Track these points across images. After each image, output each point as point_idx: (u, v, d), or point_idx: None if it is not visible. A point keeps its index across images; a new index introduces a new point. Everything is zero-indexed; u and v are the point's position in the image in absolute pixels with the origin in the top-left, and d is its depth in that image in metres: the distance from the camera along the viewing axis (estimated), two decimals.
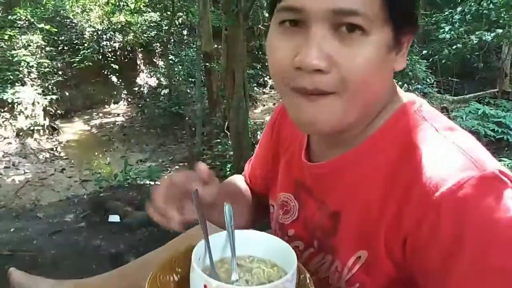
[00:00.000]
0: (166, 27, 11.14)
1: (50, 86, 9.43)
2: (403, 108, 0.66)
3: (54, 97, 9.26)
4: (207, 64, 8.28)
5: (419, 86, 7.87)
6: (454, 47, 8.20)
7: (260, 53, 12.50)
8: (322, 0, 0.54)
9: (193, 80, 10.76)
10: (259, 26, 11.76)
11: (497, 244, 0.51)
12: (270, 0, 0.63)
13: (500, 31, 7.56)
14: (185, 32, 12.35)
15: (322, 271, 0.71)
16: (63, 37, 10.42)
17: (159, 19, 11.45)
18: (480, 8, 7.75)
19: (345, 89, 0.58)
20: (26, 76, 9.02)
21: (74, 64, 9.95)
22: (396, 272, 0.61)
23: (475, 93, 8.95)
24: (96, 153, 8.81)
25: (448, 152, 0.58)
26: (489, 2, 7.49)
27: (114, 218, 3.64)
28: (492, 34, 7.54)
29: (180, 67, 11.15)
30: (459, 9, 8.44)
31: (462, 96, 8.86)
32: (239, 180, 1.01)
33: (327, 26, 0.55)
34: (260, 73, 11.76)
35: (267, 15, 14.88)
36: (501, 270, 0.51)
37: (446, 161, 0.56)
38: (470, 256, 0.52)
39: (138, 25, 11.11)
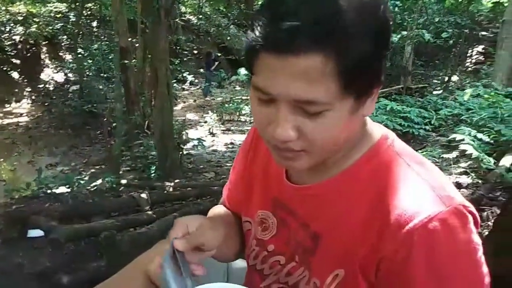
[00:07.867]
0: (74, 19, 10.39)
1: None
2: (377, 144, 0.74)
3: None
4: (124, 59, 7.87)
5: None
6: None
7: (178, 47, 12.18)
8: (285, 90, 0.60)
9: (105, 75, 10.17)
10: (176, 20, 11.45)
11: (458, 269, 0.64)
12: (247, 62, 0.67)
13: (404, 33, 8.24)
14: (94, 24, 11.62)
15: (301, 284, 0.77)
16: None
17: (66, 10, 10.63)
18: None
19: (312, 149, 0.66)
20: None
21: None
22: None
23: (382, 90, 9.65)
24: None
25: (419, 188, 0.67)
26: (394, 6, 8.12)
27: (36, 233, 3.30)
28: (398, 36, 8.18)
29: (90, 61, 10.48)
30: None
31: None
32: (220, 210, 1.04)
33: (293, 104, 0.62)
34: (179, 68, 11.46)
35: (184, 9, 14.34)
36: None
37: (418, 197, 0.66)
38: (435, 276, 0.63)
39: (42, 16, 10.21)
